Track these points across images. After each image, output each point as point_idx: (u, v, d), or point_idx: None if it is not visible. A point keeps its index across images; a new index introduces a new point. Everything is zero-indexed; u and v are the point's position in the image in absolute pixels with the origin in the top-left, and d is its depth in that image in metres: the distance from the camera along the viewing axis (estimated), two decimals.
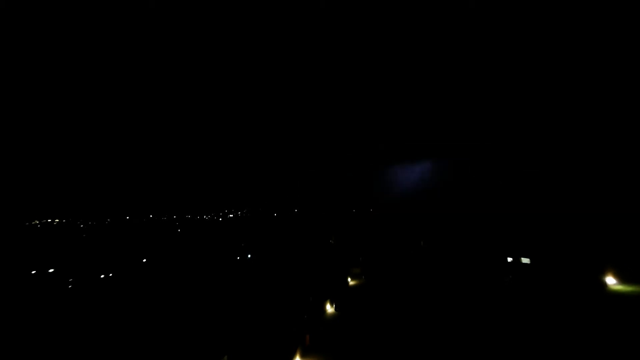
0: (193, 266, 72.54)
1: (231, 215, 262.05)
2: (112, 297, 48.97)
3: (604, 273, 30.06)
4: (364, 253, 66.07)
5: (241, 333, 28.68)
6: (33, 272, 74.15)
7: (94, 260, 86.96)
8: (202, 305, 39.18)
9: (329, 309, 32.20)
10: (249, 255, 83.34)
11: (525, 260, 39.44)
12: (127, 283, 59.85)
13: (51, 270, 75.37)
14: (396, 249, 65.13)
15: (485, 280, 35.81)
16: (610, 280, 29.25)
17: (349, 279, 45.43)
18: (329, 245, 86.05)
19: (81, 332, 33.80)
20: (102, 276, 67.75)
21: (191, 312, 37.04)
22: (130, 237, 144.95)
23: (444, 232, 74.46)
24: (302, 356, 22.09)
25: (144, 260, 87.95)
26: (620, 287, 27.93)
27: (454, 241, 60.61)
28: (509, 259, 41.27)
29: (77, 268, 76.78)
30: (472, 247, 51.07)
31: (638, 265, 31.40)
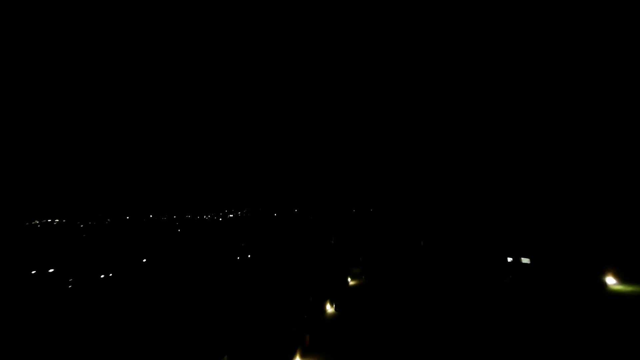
0: (193, 266, 72.46)
1: (231, 216, 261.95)
2: (112, 297, 48.92)
3: (604, 273, 30.06)
4: (364, 253, 66.02)
5: (241, 333, 28.66)
6: (33, 272, 74.07)
7: (94, 260, 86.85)
8: (202, 305, 39.14)
9: (329, 309, 32.17)
10: (249, 255, 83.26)
11: (525, 260, 39.41)
12: (127, 283, 59.79)
13: (51, 270, 75.31)
14: (396, 249, 65.07)
15: (485, 280, 35.77)
16: (610, 280, 29.23)
17: (349, 279, 45.40)
18: (329, 245, 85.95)
19: (81, 332, 33.77)
20: (102, 276, 67.69)
21: (191, 312, 37.01)
22: (130, 237, 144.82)
23: (444, 232, 74.37)
24: (302, 356, 22.07)
25: (144, 260, 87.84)
26: (620, 287, 27.90)
27: (454, 241, 60.52)
28: (509, 259, 41.25)
29: (77, 268, 76.71)
30: (472, 247, 51.00)
31: (638, 265, 31.38)
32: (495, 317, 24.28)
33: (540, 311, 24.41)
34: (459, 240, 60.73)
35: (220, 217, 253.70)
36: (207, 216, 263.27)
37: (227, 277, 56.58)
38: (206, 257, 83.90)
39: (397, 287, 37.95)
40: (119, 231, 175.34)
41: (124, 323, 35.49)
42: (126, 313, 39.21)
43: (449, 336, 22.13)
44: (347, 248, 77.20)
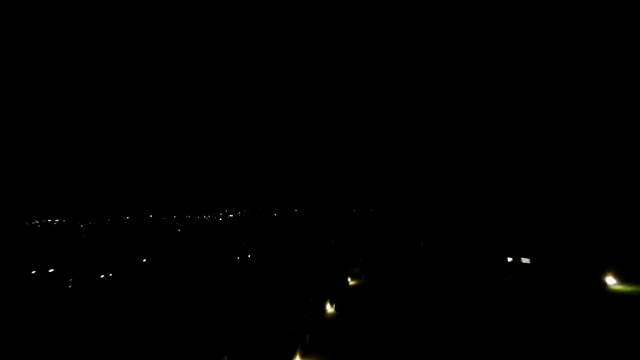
0: (193, 266, 72.46)
1: (231, 216, 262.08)
2: (112, 297, 48.93)
3: (604, 273, 30.05)
4: (364, 253, 66.02)
5: (241, 333, 28.65)
6: (33, 272, 74.07)
7: (94, 260, 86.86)
8: (202, 306, 39.14)
9: (329, 309, 32.17)
10: (249, 256, 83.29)
11: (525, 260, 39.41)
12: (127, 283, 59.78)
13: (51, 270, 75.31)
14: (396, 249, 65.06)
15: (485, 280, 35.76)
16: (610, 280, 29.23)
17: (349, 279, 45.40)
18: (329, 245, 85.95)
19: (81, 332, 33.77)
20: (102, 276, 67.71)
21: (191, 312, 37.01)
22: (130, 237, 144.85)
23: (443, 232, 74.28)
24: (302, 356, 22.06)
25: (144, 260, 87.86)
26: (620, 287, 27.90)
27: (454, 241, 60.48)
28: (509, 259, 41.23)
29: (77, 268, 76.71)
30: (472, 247, 50.97)
31: (638, 265, 31.37)
32: (496, 317, 24.27)
33: (540, 311, 24.41)
34: (459, 240, 60.68)
35: (220, 217, 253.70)
36: (207, 216, 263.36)
37: (227, 277, 56.55)
38: (206, 257, 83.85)
39: (397, 287, 37.95)
40: (118, 231, 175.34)
41: (124, 323, 35.49)
42: (126, 313, 39.21)
43: (448, 336, 22.13)
44: (347, 248, 77.18)
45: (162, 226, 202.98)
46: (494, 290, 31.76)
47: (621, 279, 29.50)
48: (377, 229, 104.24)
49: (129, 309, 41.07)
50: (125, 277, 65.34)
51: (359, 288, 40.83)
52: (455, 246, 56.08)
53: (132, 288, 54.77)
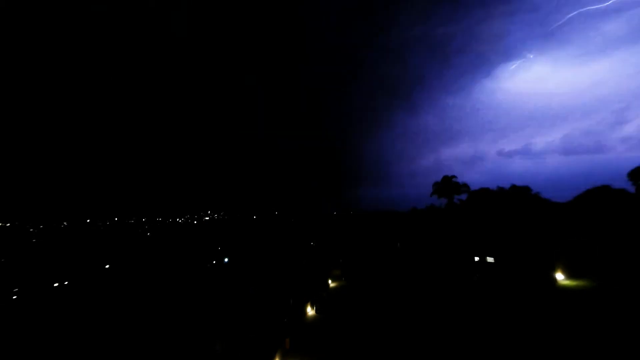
0: (165, 271, 68.31)
1: (207, 219, 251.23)
2: (67, 307, 44.41)
3: (554, 270, 33.83)
4: (344, 255, 67.14)
5: (218, 339, 27.69)
6: None
7: (45, 269, 77.99)
8: (175, 312, 37.09)
9: (310, 311, 32.31)
10: (226, 259, 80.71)
11: (490, 259, 42.87)
12: (86, 292, 54.60)
13: None
14: (374, 250, 67.08)
15: (456, 279, 38.33)
16: (560, 276, 33.03)
17: (330, 281, 45.94)
18: (310, 248, 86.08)
19: (42, 344, 30.25)
20: (56, 285, 61.17)
21: (163, 318, 34.89)
22: (90, 242, 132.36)
23: (418, 233, 77.80)
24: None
25: (107, 266, 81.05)
26: (567, 282, 31.69)
27: (427, 242, 63.77)
28: (476, 259, 44.55)
29: (25, 277, 68.34)
30: (444, 248, 54.09)
31: (581, 262, 35.77)
32: (469, 314, 26.15)
33: (505, 306, 26.82)
34: (431, 240, 64.07)
35: (195, 220, 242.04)
36: (180, 219, 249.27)
37: (203, 282, 54.22)
38: (180, 262, 79.62)
39: (375, 287, 39.18)
40: (76, 235, 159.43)
41: (89, 333, 32.42)
42: (91, 323, 35.81)
43: (427, 333, 23.42)
44: (327, 250, 77.91)
45: (129, 229, 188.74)
46: (465, 288, 34.17)
47: (568, 274, 33.47)
48: (356, 231, 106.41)
49: (93, 318, 37.52)
50: (83, 285, 59.58)
51: (340, 290, 41.52)
52: (428, 247, 59.17)
53: (92, 297, 50.10)
